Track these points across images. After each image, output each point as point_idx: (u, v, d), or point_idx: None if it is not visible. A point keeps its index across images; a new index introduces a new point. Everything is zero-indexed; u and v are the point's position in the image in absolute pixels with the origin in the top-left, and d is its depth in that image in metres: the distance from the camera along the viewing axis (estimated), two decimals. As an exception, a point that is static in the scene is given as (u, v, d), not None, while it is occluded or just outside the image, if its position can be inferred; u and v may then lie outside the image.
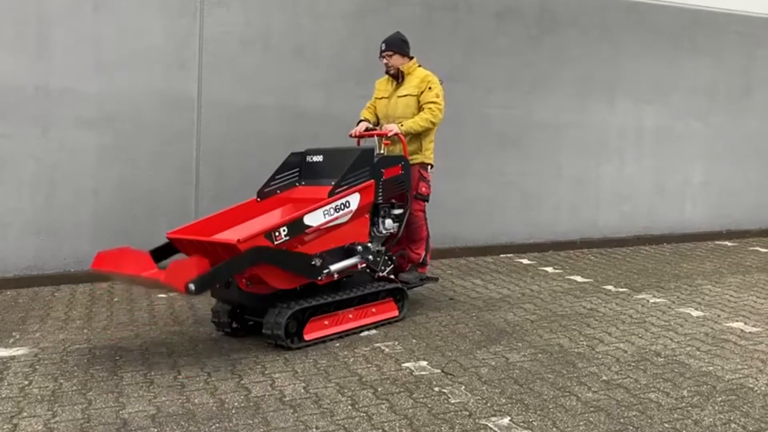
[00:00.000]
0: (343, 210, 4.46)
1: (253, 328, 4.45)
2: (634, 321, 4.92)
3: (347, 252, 4.56)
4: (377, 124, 5.46)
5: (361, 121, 5.39)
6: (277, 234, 4.09)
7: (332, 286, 4.63)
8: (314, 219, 4.30)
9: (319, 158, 4.84)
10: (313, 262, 4.29)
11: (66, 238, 6.09)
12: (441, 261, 7.06)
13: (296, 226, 4.20)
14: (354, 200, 4.53)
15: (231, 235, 4.11)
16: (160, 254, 4.28)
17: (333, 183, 4.47)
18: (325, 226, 4.37)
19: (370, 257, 4.66)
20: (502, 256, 7.53)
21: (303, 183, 4.85)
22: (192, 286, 3.67)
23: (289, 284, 4.27)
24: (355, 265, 4.59)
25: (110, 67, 6.12)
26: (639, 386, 3.63)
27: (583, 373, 3.82)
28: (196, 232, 4.26)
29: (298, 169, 4.89)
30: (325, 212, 4.36)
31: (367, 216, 4.70)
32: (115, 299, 5.49)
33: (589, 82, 8.16)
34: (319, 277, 4.33)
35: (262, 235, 4.02)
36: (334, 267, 4.42)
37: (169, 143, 6.29)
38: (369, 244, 4.67)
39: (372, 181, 4.65)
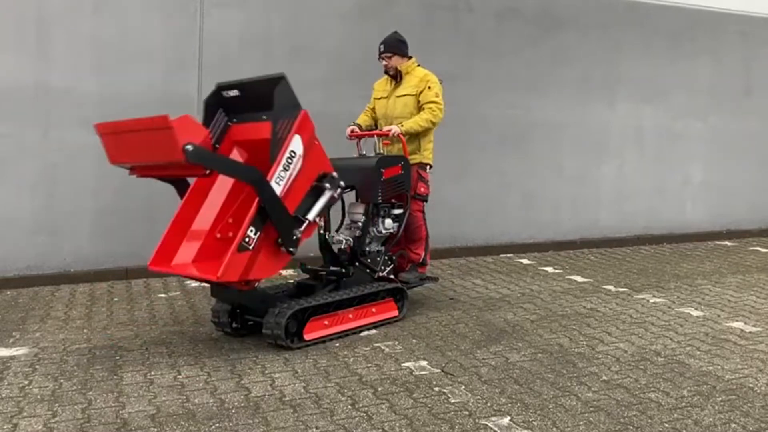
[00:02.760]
0: (293, 162, 4.13)
1: (253, 328, 4.45)
2: (634, 321, 4.92)
3: (316, 193, 4.31)
4: (375, 125, 5.47)
5: (354, 123, 5.38)
6: (247, 240, 3.93)
7: (332, 287, 4.64)
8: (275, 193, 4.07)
9: (235, 92, 4.37)
10: (295, 237, 4.15)
11: (66, 238, 6.09)
12: (441, 261, 7.06)
13: (261, 217, 4.00)
14: (297, 144, 4.14)
15: (207, 270, 4.04)
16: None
17: (265, 118, 4.15)
18: (286, 189, 4.11)
19: (341, 183, 4.41)
20: (502, 256, 7.54)
21: (235, 121, 4.46)
22: (190, 147, 3.56)
23: (271, 271, 4.23)
24: (332, 199, 4.37)
25: (110, 67, 6.12)
26: (639, 386, 3.63)
27: (583, 373, 3.82)
28: (172, 246, 4.20)
29: (222, 108, 4.46)
30: (278, 179, 4.05)
31: (316, 142, 4.31)
32: (115, 299, 5.49)
33: (589, 82, 8.17)
34: (291, 249, 4.17)
35: (236, 250, 3.89)
36: (311, 214, 4.25)
37: (169, 143, 6.29)
38: (334, 174, 4.37)
39: (303, 111, 4.19)
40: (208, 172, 3.92)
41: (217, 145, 4.37)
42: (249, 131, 4.35)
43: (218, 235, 4.30)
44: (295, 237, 4.16)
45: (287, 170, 4.09)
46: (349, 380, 3.70)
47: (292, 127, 4.11)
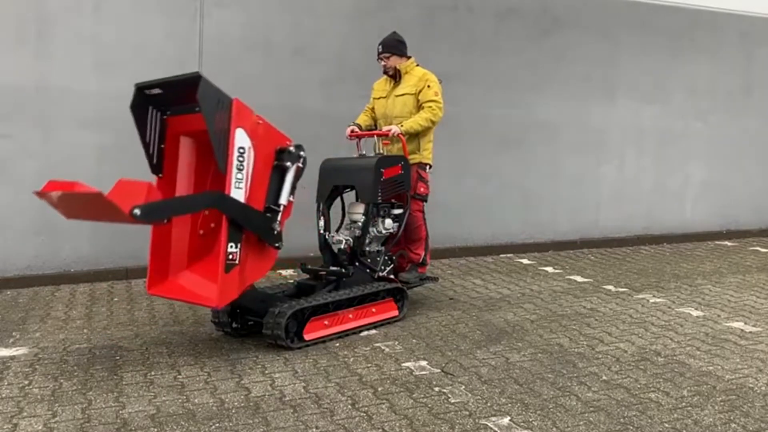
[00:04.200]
0: (244, 159, 3.90)
1: (253, 328, 4.45)
2: (634, 321, 4.92)
3: (280, 173, 4.14)
4: (375, 125, 5.47)
5: (353, 123, 5.38)
6: (231, 257, 3.85)
7: (332, 287, 4.65)
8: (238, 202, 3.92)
9: (158, 91, 4.05)
10: (275, 231, 4.09)
11: (66, 238, 6.09)
12: (441, 261, 7.07)
13: (234, 229, 3.88)
14: (242, 138, 3.89)
15: (207, 297, 3.95)
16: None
17: (198, 110, 3.76)
18: (248, 188, 3.94)
19: (302, 153, 4.20)
20: (502, 256, 7.54)
21: (169, 113, 4.15)
22: (137, 211, 3.42)
23: (265, 270, 4.19)
24: (298, 171, 4.19)
25: (110, 67, 6.12)
26: (639, 386, 3.63)
27: (583, 373, 3.82)
28: (162, 262, 4.08)
29: (151, 106, 4.13)
30: (237, 184, 3.87)
31: (260, 122, 4.05)
32: (115, 299, 5.49)
33: (589, 82, 8.17)
34: (276, 245, 4.13)
35: (225, 272, 3.84)
36: (283, 198, 4.13)
37: (169, 143, 6.29)
38: (291, 147, 4.14)
39: (234, 100, 3.88)
40: (166, 221, 3.82)
41: (162, 145, 4.13)
42: (191, 122, 4.02)
43: (201, 232, 4.21)
44: (275, 232, 4.10)
45: (242, 170, 3.90)
46: (349, 380, 3.70)
47: (230, 123, 3.83)
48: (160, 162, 4.12)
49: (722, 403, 3.41)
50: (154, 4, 6.27)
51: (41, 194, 3.69)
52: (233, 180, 3.86)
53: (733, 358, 4.09)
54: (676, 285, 6.12)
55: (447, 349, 4.23)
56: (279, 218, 4.13)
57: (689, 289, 5.94)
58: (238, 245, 3.91)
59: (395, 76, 5.28)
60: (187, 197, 3.91)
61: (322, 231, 4.94)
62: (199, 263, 4.18)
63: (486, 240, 7.69)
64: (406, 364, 3.96)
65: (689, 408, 3.36)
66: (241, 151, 3.89)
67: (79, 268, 6.12)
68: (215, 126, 3.75)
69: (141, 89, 4.03)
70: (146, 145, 4.10)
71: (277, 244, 4.14)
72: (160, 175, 4.13)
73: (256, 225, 4.01)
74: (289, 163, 4.14)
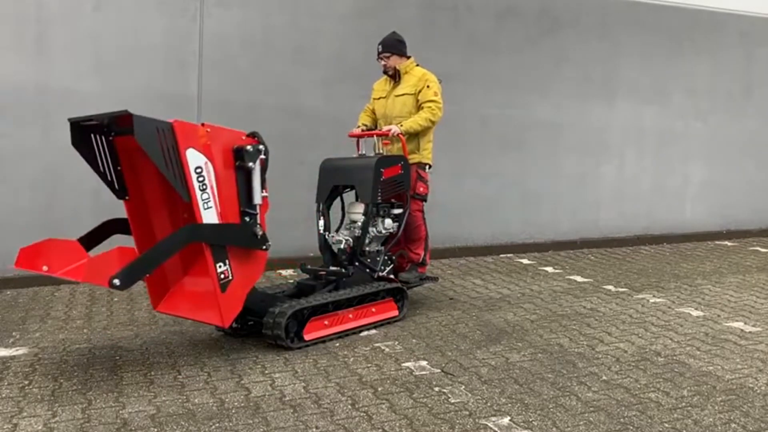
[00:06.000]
0: (205, 176, 3.76)
1: (253, 328, 4.45)
2: (634, 321, 4.92)
3: (245, 175, 4.00)
4: (375, 126, 5.47)
5: (361, 125, 5.40)
6: (223, 276, 3.86)
7: (332, 287, 4.65)
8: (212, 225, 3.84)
9: (91, 122, 3.88)
10: (257, 235, 4.02)
11: (66, 238, 6.07)
12: (441, 261, 7.07)
13: (217, 250, 3.86)
14: (194, 157, 3.72)
15: (213, 317, 3.95)
16: (92, 239, 4.07)
17: (134, 135, 3.52)
18: (218, 204, 3.84)
19: (261, 147, 4.04)
20: (502, 256, 7.53)
21: (114, 135, 3.91)
22: (117, 281, 3.40)
23: (259, 272, 4.17)
24: (263, 164, 4.06)
25: (110, 67, 6.12)
26: (639, 386, 3.63)
27: (583, 373, 3.82)
28: (159, 278, 4.00)
29: (92, 134, 3.92)
30: (206, 205, 3.77)
31: (207, 131, 3.84)
32: (115, 299, 5.49)
33: (589, 82, 8.17)
34: (263, 247, 4.09)
35: (222, 292, 3.85)
36: (256, 198, 4.01)
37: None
38: (248, 147, 3.96)
39: (173, 122, 3.66)
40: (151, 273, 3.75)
41: (119, 167, 3.93)
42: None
43: None
44: (258, 236, 4.04)
45: (205, 189, 3.76)
46: (349, 380, 3.70)
47: (177, 148, 3.63)
48: (123, 185, 3.96)
49: (722, 403, 3.41)
50: (154, 4, 6.27)
51: (20, 268, 3.69)
52: (200, 204, 3.74)
53: (733, 358, 4.09)
54: (676, 285, 6.12)
55: (447, 349, 4.23)
56: (258, 220, 4.05)
57: (689, 289, 5.94)
58: (227, 262, 3.89)
59: (395, 76, 5.28)
60: (159, 245, 3.71)
61: (321, 231, 4.95)
62: (194, 266, 4.15)
63: (486, 240, 7.69)
64: (406, 364, 3.96)
65: (689, 408, 3.36)
66: (198, 170, 3.74)
67: (79, 268, 6.11)
68: (164, 158, 3.58)
69: (75, 123, 3.85)
70: (102, 175, 3.93)
71: (263, 247, 4.10)
72: (127, 198, 3.99)
73: (238, 238, 3.96)
74: (251, 164, 3.97)
